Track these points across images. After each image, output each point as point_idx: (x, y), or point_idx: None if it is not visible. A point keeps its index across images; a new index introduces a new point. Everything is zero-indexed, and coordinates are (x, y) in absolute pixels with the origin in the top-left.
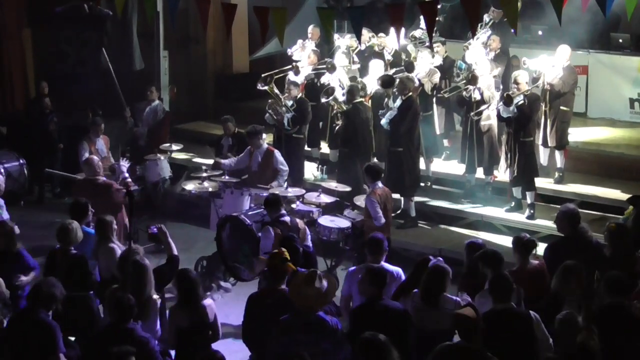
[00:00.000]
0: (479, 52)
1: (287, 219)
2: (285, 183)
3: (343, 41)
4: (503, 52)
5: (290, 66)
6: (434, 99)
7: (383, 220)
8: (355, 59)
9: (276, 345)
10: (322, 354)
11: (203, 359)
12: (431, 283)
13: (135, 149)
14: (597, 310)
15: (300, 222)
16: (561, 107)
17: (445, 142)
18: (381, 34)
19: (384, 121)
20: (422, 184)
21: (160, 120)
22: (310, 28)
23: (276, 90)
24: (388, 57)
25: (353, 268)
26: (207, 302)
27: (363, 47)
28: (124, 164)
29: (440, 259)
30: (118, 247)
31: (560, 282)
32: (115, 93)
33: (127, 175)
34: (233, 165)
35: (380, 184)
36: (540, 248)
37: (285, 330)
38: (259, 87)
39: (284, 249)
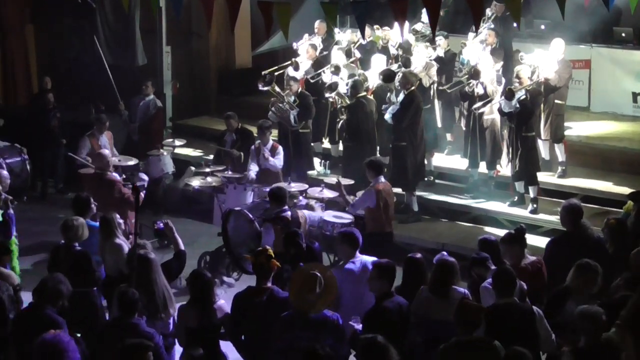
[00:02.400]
0: (476, 49)
1: (287, 213)
2: (289, 178)
3: (344, 36)
4: (505, 46)
5: (289, 62)
6: (432, 93)
7: (356, 212)
8: (357, 53)
9: (279, 341)
10: None
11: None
12: (440, 277)
13: (129, 145)
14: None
15: (301, 214)
16: (556, 101)
17: (449, 137)
18: (386, 28)
19: (387, 115)
20: (425, 179)
21: (151, 115)
22: (317, 23)
23: (277, 89)
24: (393, 51)
25: (333, 270)
26: (219, 303)
27: (364, 41)
28: (144, 178)
29: (444, 253)
30: (124, 243)
31: (575, 278)
32: (109, 87)
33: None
34: (255, 172)
35: (382, 179)
36: (542, 242)
37: (287, 327)
38: (260, 87)
39: (268, 247)
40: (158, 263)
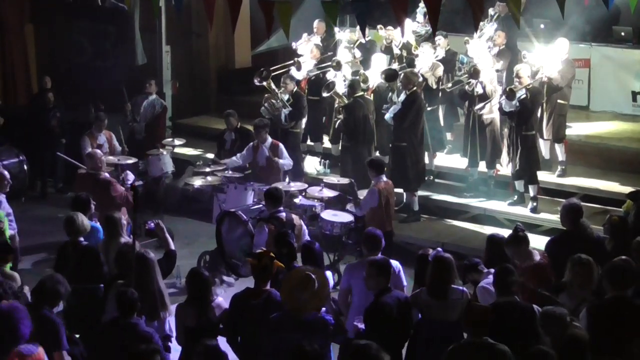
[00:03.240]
0: (480, 47)
1: (282, 214)
2: (287, 178)
3: (343, 35)
4: (508, 46)
5: (292, 61)
6: (439, 93)
7: (363, 213)
8: (357, 52)
9: (267, 344)
10: None
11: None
12: (437, 275)
13: (133, 144)
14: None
15: (296, 218)
16: (558, 101)
17: (449, 136)
18: (389, 27)
19: (387, 115)
20: (425, 178)
21: (157, 114)
22: (315, 23)
23: (273, 86)
24: (396, 51)
25: (352, 262)
26: (217, 301)
27: (364, 40)
28: (130, 178)
29: (440, 249)
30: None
31: (569, 274)
32: (112, 87)
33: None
34: (238, 163)
35: (384, 178)
36: (542, 241)
37: (276, 329)
38: (256, 82)
39: (269, 249)
40: (156, 262)
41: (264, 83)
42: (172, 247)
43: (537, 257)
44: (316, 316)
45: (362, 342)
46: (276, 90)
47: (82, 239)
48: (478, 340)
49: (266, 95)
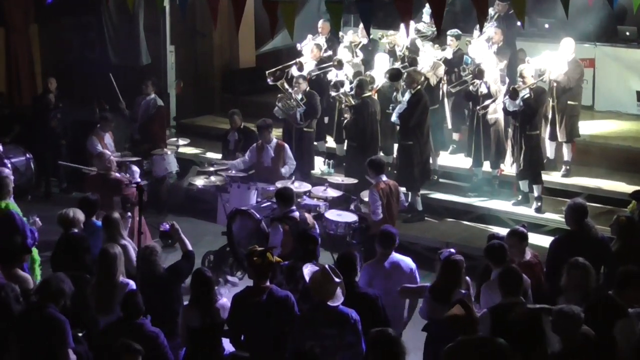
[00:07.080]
0: (481, 47)
1: (296, 214)
2: (293, 177)
3: (346, 37)
4: (508, 45)
5: (293, 62)
6: (440, 92)
7: (380, 216)
8: (359, 53)
9: (299, 338)
10: (347, 347)
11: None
12: (445, 278)
13: (132, 143)
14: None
15: (309, 217)
16: (569, 102)
17: (456, 136)
18: (391, 32)
19: (394, 117)
20: (430, 176)
21: (151, 115)
22: (320, 23)
23: (286, 86)
24: (400, 54)
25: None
26: (222, 302)
27: (365, 41)
28: (136, 170)
29: (452, 250)
30: (129, 244)
31: (566, 277)
32: (110, 86)
33: (138, 179)
34: (242, 166)
35: (384, 177)
36: (546, 241)
37: (309, 324)
38: (269, 82)
39: (258, 247)
40: (119, 257)
41: (278, 83)
42: (190, 247)
43: (528, 256)
44: (347, 312)
45: (378, 329)
46: (290, 90)
47: (76, 230)
48: (473, 337)
49: (279, 95)
